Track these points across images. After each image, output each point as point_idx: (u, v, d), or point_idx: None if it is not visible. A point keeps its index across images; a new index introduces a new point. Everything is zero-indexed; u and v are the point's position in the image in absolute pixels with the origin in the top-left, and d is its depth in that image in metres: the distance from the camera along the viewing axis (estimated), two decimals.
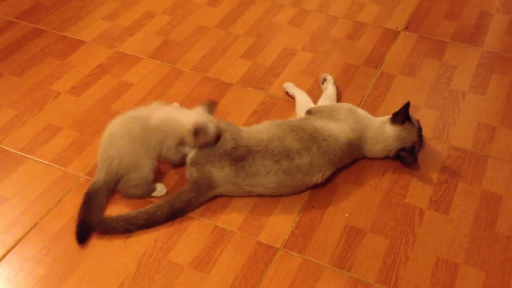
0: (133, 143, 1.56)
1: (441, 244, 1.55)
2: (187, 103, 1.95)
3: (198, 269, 1.47)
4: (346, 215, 1.62)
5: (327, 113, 1.73)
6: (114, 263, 1.48)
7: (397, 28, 2.37)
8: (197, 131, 1.53)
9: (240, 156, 1.57)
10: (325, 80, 2.03)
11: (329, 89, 1.97)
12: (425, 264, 1.50)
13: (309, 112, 1.78)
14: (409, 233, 1.58)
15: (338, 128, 1.66)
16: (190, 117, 1.57)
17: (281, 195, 1.65)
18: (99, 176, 1.58)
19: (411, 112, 1.96)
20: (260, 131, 1.65)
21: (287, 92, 2.00)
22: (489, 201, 1.67)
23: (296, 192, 1.65)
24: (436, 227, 1.59)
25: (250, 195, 1.63)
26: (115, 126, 1.61)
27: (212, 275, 1.46)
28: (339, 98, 1.97)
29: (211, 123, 1.56)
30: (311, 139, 1.62)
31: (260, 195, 1.63)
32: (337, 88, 2.01)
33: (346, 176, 1.73)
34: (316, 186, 1.67)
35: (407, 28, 2.38)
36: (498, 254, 1.53)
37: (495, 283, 1.46)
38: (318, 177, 1.63)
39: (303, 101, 1.91)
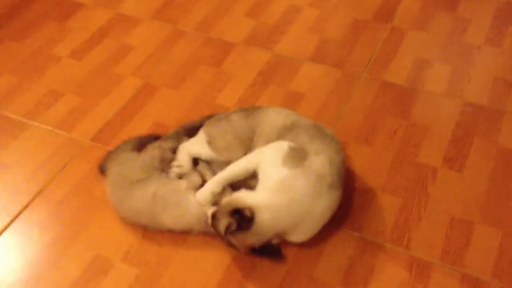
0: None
1: (455, 203, 1.51)
2: (190, 65, 1.90)
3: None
4: (357, 176, 1.58)
5: None
6: (121, 227, 1.46)
7: None
8: None
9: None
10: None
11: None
12: (438, 224, 1.46)
13: None
14: (422, 192, 1.53)
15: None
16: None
17: None
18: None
19: (423, 67, 1.89)
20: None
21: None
22: (505, 158, 1.62)
23: None
24: (450, 186, 1.55)
25: None
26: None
27: None
28: (347, 59, 1.90)
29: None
30: None
31: None
32: (346, 45, 1.94)
33: (356, 136, 1.67)
34: None
35: None
36: None
37: None
38: None
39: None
